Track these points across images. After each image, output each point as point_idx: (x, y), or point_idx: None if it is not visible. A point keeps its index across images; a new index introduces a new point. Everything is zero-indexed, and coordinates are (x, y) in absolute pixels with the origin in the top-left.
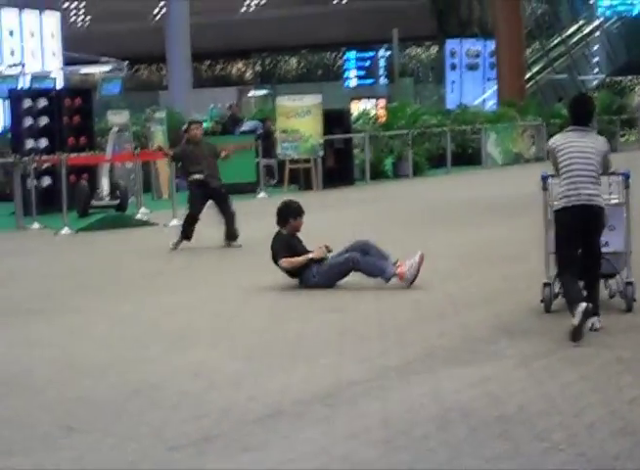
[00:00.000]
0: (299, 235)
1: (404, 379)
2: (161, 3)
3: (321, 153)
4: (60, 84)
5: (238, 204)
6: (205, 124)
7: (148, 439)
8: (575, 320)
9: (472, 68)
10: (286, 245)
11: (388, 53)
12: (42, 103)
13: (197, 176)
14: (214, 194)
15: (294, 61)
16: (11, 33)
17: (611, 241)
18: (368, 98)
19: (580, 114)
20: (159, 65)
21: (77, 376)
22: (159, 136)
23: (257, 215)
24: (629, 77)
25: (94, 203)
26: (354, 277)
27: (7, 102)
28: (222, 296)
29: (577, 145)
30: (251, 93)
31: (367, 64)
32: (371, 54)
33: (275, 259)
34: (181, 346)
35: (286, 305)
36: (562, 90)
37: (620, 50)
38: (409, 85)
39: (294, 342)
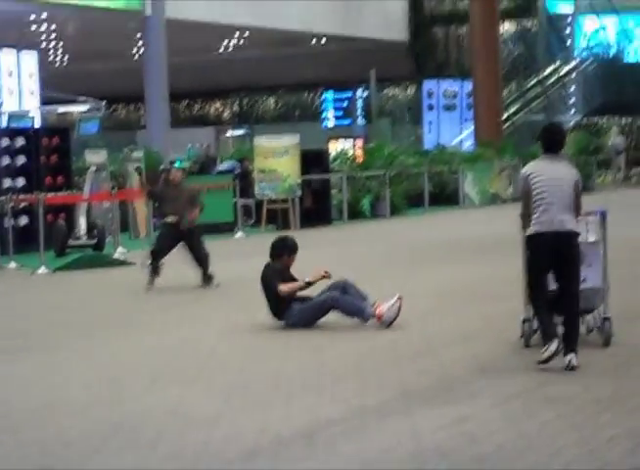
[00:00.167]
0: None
1: (382, 419)
2: (140, 43)
3: (299, 193)
4: (38, 123)
5: (215, 243)
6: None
7: None
8: (544, 356)
9: (449, 108)
10: (279, 274)
11: (366, 93)
12: (20, 142)
13: (170, 219)
14: (185, 236)
15: (271, 101)
16: None
17: (588, 277)
18: (346, 138)
19: (551, 141)
20: (136, 104)
21: (55, 415)
22: (136, 175)
23: (235, 255)
24: (605, 118)
25: (71, 242)
26: (333, 317)
27: None
28: (200, 335)
29: (550, 172)
30: (229, 133)
31: (345, 104)
32: (349, 94)
33: (268, 290)
34: (159, 385)
35: (264, 344)
36: (539, 131)
37: (597, 91)
38: (386, 125)
39: (272, 381)
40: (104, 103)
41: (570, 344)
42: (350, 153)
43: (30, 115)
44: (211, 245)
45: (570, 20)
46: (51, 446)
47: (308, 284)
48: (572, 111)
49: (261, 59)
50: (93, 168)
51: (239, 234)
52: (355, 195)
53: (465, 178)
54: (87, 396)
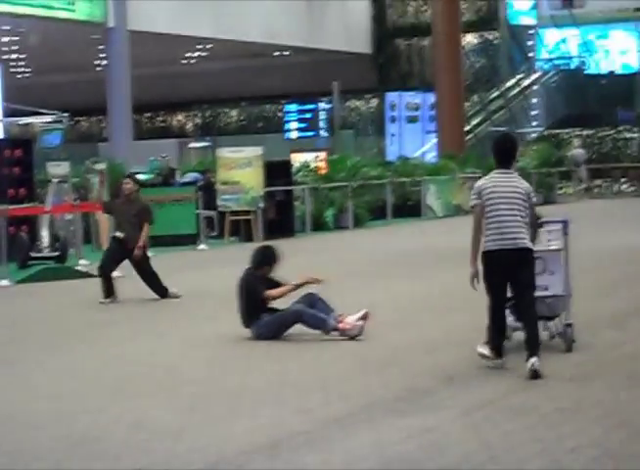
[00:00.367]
0: None
1: (346, 430)
2: (103, 54)
3: (262, 204)
4: (0, 135)
5: (178, 255)
6: (144, 177)
7: None
8: (484, 351)
9: (411, 120)
10: (262, 280)
11: (329, 105)
12: None
13: (117, 234)
14: (131, 254)
15: (234, 113)
16: None
17: (550, 285)
18: (309, 150)
19: (502, 152)
20: (99, 116)
21: (17, 428)
22: (97, 188)
23: (197, 267)
24: (567, 130)
25: (34, 254)
26: (297, 329)
27: None
28: (162, 347)
29: (503, 188)
30: (192, 145)
31: (308, 116)
32: (312, 106)
33: (249, 294)
34: (122, 397)
35: (227, 355)
36: None
37: (559, 103)
38: (350, 137)
39: (235, 392)
40: (67, 115)
41: (530, 348)
42: (313, 165)
43: None
44: (174, 257)
45: (532, 32)
46: (13, 459)
47: (297, 286)
48: (535, 123)
49: (224, 71)
50: (55, 180)
51: (202, 246)
52: (318, 207)
53: (427, 190)
54: (50, 408)
